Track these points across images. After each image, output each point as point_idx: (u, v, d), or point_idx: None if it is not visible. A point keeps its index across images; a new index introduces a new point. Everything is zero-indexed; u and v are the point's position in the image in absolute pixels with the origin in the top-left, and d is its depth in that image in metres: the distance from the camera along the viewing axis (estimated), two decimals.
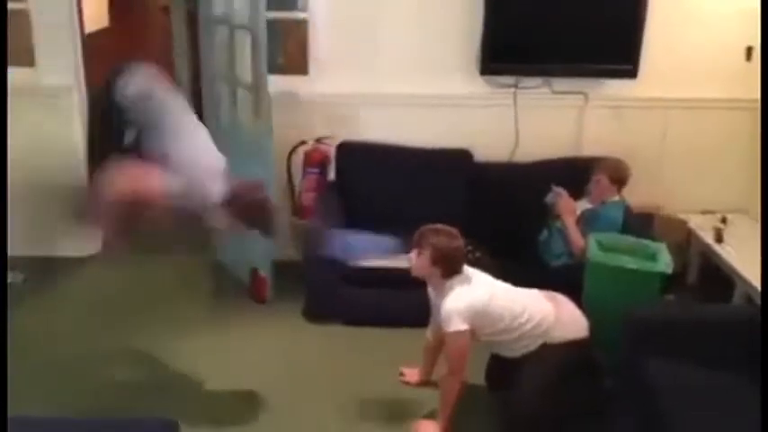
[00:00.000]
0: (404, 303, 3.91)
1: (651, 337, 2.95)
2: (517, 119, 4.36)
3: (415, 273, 3.06)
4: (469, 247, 4.00)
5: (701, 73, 4.32)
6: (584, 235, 3.75)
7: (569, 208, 3.90)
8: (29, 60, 4.30)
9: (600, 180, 3.92)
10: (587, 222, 3.85)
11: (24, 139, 4.40)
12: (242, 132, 4.15)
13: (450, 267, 2.98)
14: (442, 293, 2.99)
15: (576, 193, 3.97)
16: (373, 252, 3.84)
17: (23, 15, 4.22)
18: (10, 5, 4.19)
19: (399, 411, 3.32)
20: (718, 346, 2.88)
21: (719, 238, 4.09)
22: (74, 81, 4.38)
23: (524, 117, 4.36)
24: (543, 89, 4.31)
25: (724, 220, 4.27)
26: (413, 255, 3.03)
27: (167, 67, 6.92)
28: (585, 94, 4.34)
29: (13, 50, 4.38)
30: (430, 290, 3.13)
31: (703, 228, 4.25)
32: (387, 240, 3.83)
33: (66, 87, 4.36)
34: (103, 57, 5.99)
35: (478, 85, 4.32)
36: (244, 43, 4.00)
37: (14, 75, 4.29)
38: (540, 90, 4.31)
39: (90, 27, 5.31)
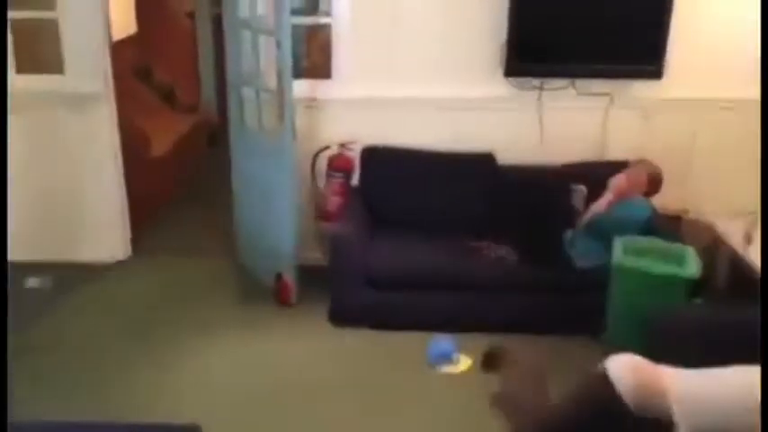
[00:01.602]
0: (430, 307, 3.93)
1: (676, 340, 2.90)
2: (542, 121, 4.34)
3: None
4: (486, 244, 4.01)
5: (727, 73, 4.26)
6: (612, 222, 3.75)
7: (622, 187, 3.86)
8: (58, 68, 4.37)
9: (639, 173, 3.87)
10: (617, 208, 3.83)
11: (53, 146, 4.48)
12: (266, 136, 4.18)
13: None
14: None
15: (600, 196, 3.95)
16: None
17: (53, 24, 4.29)
18: (39, 14, 4.29)
19: (427, 415, 3.32)
20: (743, 349, 2.83)
21: (748, 241, 4.03)
22: (102, 88, 4.43)
23: (549, 119, 4.34)
24: (568, 90, 4.28)
25: (752, 223, 4.20)
26: None
27: (193, 71, 7.01)
28: (611, 96, 4.30)
29: (43, 58, 4.48)
30: None
31: (731, 231, 4.18)
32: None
33: (95, 94, 4.42)
34: (131, 64, 6.11)
35: (503, 87, 4.30)
36: (268, 48, 4.03)
37: (44, 82, 4.38)
38: (565, 91, 4.28)
39: (118, 35, 5.39)
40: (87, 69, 4.38)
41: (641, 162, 3.96)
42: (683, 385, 2.50)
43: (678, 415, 2.46)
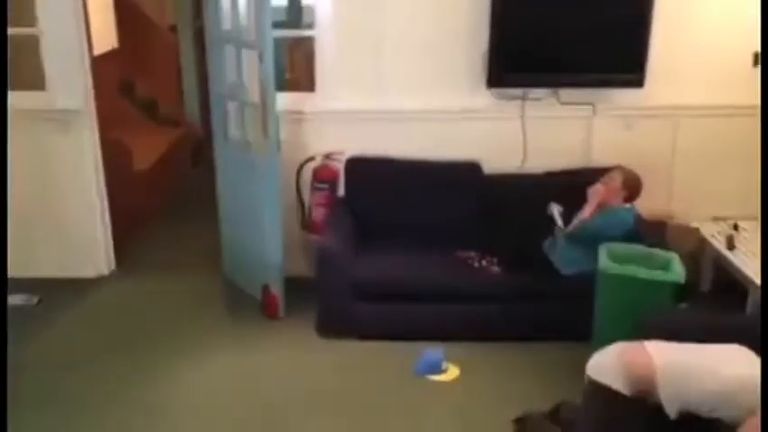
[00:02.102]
0: (417, 317, 3.93)
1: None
2: (525, 130, 4.36)
3: None
4: (473, 254, 4.03)
5: (708, 80, 4.31)
6: (595, 229, 3.79)
7: (600, 194, 3.89)
8: (40, 84, 4.34)
9: (613, 179, 3.91)
10: (602, 215, 3.85)
11: (36, 162, 4.45)
12: (251, 149, 4.17)
13: None
14: None
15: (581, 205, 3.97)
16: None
17: (33, 39, 4.27)
18: (20, 30, 4.26)
19: (416, 425, 3.31)
20: None
21: (731, 246, 4.06)
22: (84, 104, 4.41)
23: (532, 128, 4.36)
24: (551, 100, 4.31)
25: (736, 227, 4.25)
26: None
27: (176, 85, 6.99)
28: (593, 105, 4.34)
29: (25, 74, 4.45)
30: None
31: (715, 235, 4.22)
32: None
33: (76, 110, 4.40)
34: (113, 78, 6.09)
35: (486, 98, 4.33)
36: (251, 61, 4.03)
37: (26, 98, 4.35)
38: (547, 101, 4.31)
39: (99, 49, 5.37)
40: (69, 85, 4.36)
41: (616, 168, 3.99)
42: (667, 357, 2.62)
43: (661, 387, 2.56)
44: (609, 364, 2.69)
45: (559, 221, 3.94)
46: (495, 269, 3.97)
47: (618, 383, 2.62)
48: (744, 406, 2.48)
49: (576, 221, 3.90)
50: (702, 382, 2.57)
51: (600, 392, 2.65)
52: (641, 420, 2.62)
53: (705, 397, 2.55)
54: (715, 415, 2.56)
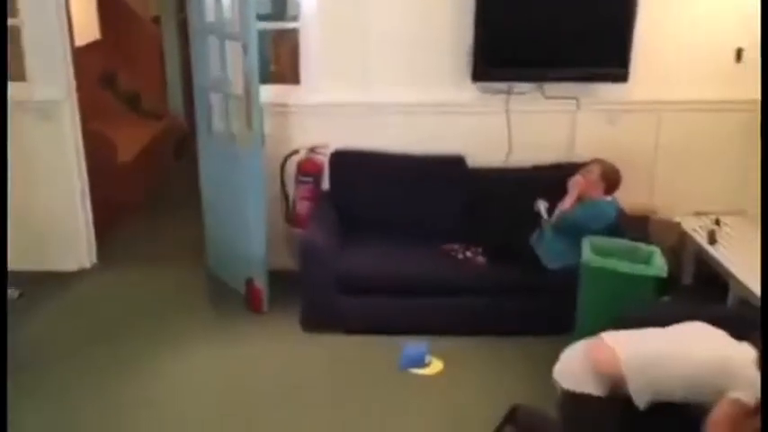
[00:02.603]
0: (402, 311, 3.93)
1: None
2: (510, 125, 4.37)
3: None
4: (456, 246, 4.04)
5: (691, 75, 4.34)
6: (576, 219, 3.81)
7: (580, 185, 3.92)
8: (21, 75, 4.29)
9: (591, 171, 3.93)
10: (583, 205, 3.87)
11: (18, 153, 4.40)
12: (234, 141, 4.15)
13: None
14: None
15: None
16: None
17: (15, 30, 4.22)
18: None
19: (400, 418, 3.32)
20: None
21: (713, 240, 4.10)
22: (65, 95, 4.37)
23: (517, 123, 4.37)
24: (536, 95, 4.32)
25: (717, 222, 4.28)
26: None
27: (159, 77, 6.93)
28: (578, 99, 4.35)
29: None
30: None
31: (697, 230, 4.26)
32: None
33: (58, 101, 4.35)
34: (95, 69, 6.03)
35: (471, 92, 4.33)
36: (235, 53, 4.01)
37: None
38: (532, 95, 4.32)
39: (81, 40, 5.32)
40: (50, 76, 4.32)
41: (594, 161, 4.01)
42: (630, 348, 2.64)
43: (630, 380, 2.59)
44: (577, 368, 2.69)
45: (545, 216, 3.95)
46: (480, 260, 3.98)
47: (591, 387, 2.63)
48: (715, 388, 2.50)
49: (557, 212, 3.91)
50: (671, 368, 2.58)
51: (578, 401, 2.65)
52: (617, 417, 2.64)
53: (675, 384, 2.58)
54: (687, 400, 2.58)
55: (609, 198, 3.93)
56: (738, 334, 2.63)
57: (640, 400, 2.60)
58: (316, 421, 3.29)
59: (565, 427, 2.75)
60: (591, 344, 2.74)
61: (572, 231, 3.76)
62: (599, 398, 2.63)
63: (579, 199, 3.92)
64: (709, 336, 2.66)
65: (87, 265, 4.70)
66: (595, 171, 3.93)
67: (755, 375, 2.43)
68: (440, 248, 4.06)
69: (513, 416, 2.98)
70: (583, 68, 4.22)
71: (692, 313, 2.80)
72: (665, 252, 3.56)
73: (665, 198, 4.49)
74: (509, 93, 4.32)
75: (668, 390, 2.59)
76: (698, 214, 4.42)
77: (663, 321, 2.82)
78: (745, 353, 2.52)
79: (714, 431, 2.46)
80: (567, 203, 3.91)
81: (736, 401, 2.44)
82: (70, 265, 4.63)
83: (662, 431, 2.72)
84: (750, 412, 2.42)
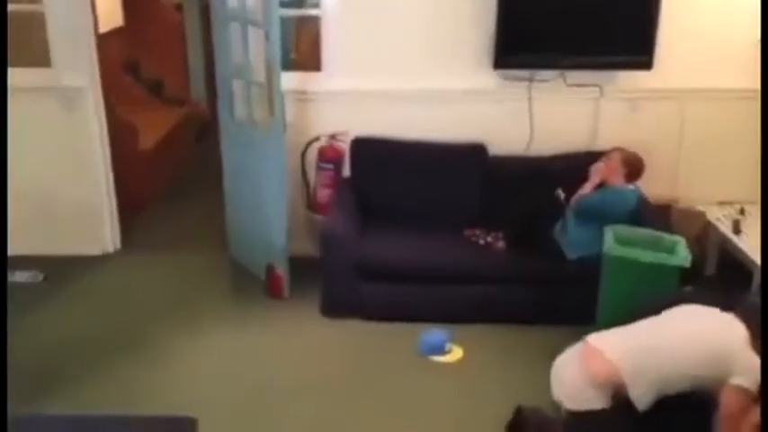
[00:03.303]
0: (422, 298, 3.93)
1: None
2: (532, 112, 4.34)
3: None
4: (478, 231, 4.04)
5: (716, 63, 4.28)
6: (596, 204, 3.80)
7: (602, 172, 3.90)
8: (45, 61, 4.33)
9: (612, 158, 3.91)
10: (604, 191, 3.86)
11: (41, 139, 4.45)
12: (256, 128, 4.17)
13: None
14: None
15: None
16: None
17: (39, 17, 4.25)
18: (26, 7, 4.25)
19: (419, 405, 3.33)
20: None
21: (737, 230, 4.06)
22: (89, 81, 4.40)
23: (539, 110, 4.34)
24: (558, 82, 4.28)
25: (742, 212, 4.23)
26: None
27: (182, 64, 6.97)
28: (600, 87, 4.31)
29: (30, 51, 4.43)
30: None
31: (721, 219, 4.21)
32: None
33: (82, 87, 4.39)
34: (119, 56, 6.07)
35: (492, 79, 4.30)
36: (257, 40, 4.01)
37: (31, 75, 4.34)
38: (554, 83, 4.28)
39: (104, 27, 5.35)
40: (74, 62, 4.34)
41: (614, 150, 3.99)
42: (620, 349, 2.64)
43: (630, 385, 2.58)
44: (577, 385, 2.67)
45: (563, 201, 3.94)
46: (501, 245, 3.97)
47: (594, 402, 2.60)
48: (716, 377, 2.48)
49: (577, 196, 3.89)
50: (669, 366, 2.56)
51: (584, 418, 2.63)
52: (625, 422, 2.62)
53: (675, 380, 2.57)
54: (689, 390, 2.56)
55: (631, 186, 3.90)
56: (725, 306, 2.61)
57: (642, 404, 2.58)
58: (334, 407, 3.31)
59: None
60: (581, 353, 2.70)
61: (593, 217, 3.74)
62: (603, 410, 2.60)
63: (600, 185, 3.90)
64: (701, 320, 2.62)
65: (111, 249, 4.75)
66: (616, 157, 3.91)
67: (753, 357, 2.42)
68: (461, 234, 4.05)
69: (518, 418, 2.97)
70: (606, 56, 4.18)
71: (718, 305, 2.77)
72: (688, 242, 3.53)
73: (688, 187, 4.44)
74: (531, 80, 4.29)
75: (670, 387, 2.57)
76: (722, 203, 4.37)
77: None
78: (739, 334, 2.50)
79: (727, 425, 2.44)
80: (587, 188, 3.89)
81: (741, 390, 2.42)
82: (94, 249, 4.68)
83: (669, 426, 2.70)
84: (755, 398, 2.40)
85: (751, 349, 2.44)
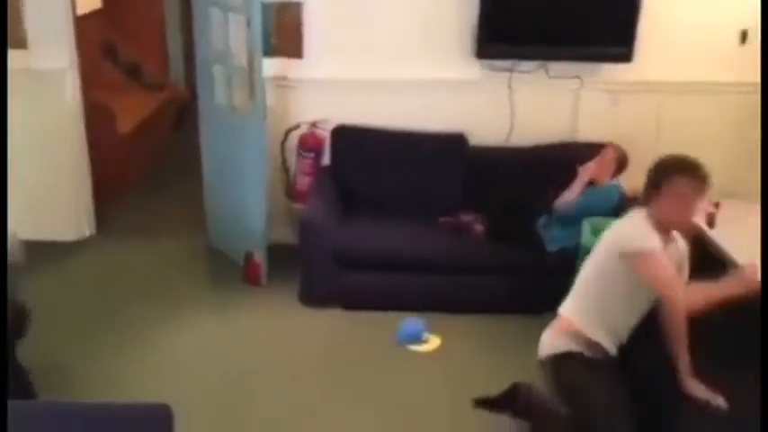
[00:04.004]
0: (400, 287, 3.94)
1: (645, 326, 2.94)
2: (512, 103, 4.35)
3: None
4: (455, 215, 4.05)
5: (695, 56, 4.31)
6: (587, 207, 3.80)
7: (592, 172, 3.90)
8: (21, 43, 4.26)
9: (606, 156, 3.91)
10: (593, 191, 3.87)
11: (18, 123, 4.38)
12: (236, 115, 4.13)
13: None
14: None
15: (569, 181, 3.97)
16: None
17: None
18: None
19: (397, 394, 3.35)
20: (708, 325, 2.90)
21: (712, 223, 4.10)
22: (67, 64, 4.34)
23: (520, 101, 4.35)
24: (539, 73, 4.29)
25: (717, 205, 4.27)
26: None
27: (161, 48, 6.89)
28: (581, 79, 4.33)
29: (7, 33, 4.34)
30: None
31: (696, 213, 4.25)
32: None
33: (59, 70, 4.32)
34: (96, 39, 5.98)
35: (474, 69, 4.30)
36: (238, 25, 3.97)
37: (8, 57, 4.26)
38: (535, 74, 4.29)
39: (82, 9, 5.27)
40: (51, 45, 4.28)
41: (608, 147, 4.00)
42: (572, 307, 2.77)
43: (590, 333, 2.70)
44: (551, 337, 2.78)
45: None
46: (479, 228, 3.98)
47: (568, 345, 2.71)
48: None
49: (564, 199, 3.86)
50: (609, 300, 2.69)
51: (560, 359, 2.72)
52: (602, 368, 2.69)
53: (624, 309, 2.68)
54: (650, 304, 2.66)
55: (614, 182, 3.93)
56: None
57: (611, 348, 2.69)
58: (311, 395, 3.32)
59: (557, 394, 2.78)
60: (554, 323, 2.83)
61: (581, 216, 3.76)
62: (579, 352, 2.69)
63: (589, 184, 3.90)
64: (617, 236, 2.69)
65: (87, 235, 4.71)
66: (610, 155, 3.91)
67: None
68: (439, 221, 4.06)
69: (513, 393, 3.00)
70: (587, 48, 4.19)
71: None
72: None
73: None
74: (512, 71, 4.30)
75: (624, 321, 2.65)
76: None
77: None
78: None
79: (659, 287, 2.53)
80: (575, 189, 3.86)
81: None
82: (70, 235, 4.63)
83: (649, 362, 2.81)
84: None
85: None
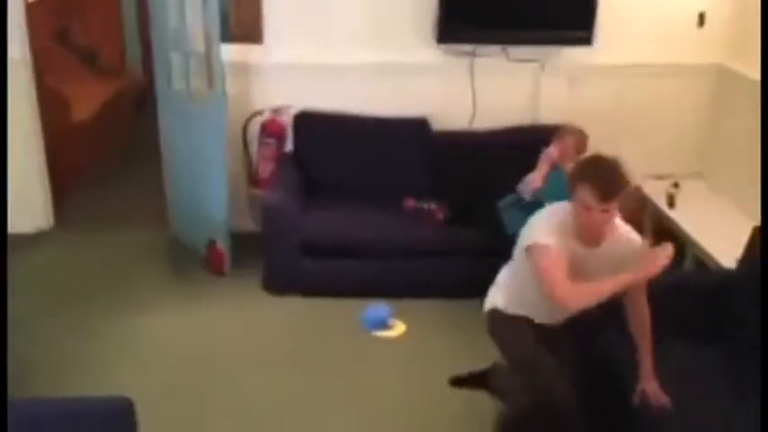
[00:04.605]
0: (365, 273, 3.94)
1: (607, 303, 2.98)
2: (474, 87, 4.35)
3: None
4: (426, 205, 4.05)
5: (654, 39, 4.35)
6: (551, 195, 3.79)
7: (553, 158, 3.85)
8: None
9: (565, 141, 3.89)
10: (555, 177, 3.87)
11: None
12: (195, 101, 4.06)
13: None
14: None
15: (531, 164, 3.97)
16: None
17: None
18: None
19: (363, 380, 3.35)
20: (669, 305, 2.95)
21: (672, 203, 4.17)
22: (19, 52, 4.22)
23: (481, 85, 4.35)
24: (500, 57, 4.30)
25: (676, 185, 4.35)
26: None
27: (116, 32, 6.73)
28: (541, 62, 4.34)
29: None
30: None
31: (656, 193, 4.32)
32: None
33: (11, 59, 4.19)
34: (48, 24, 5.82)
35: (435, 54, 4.29)
36: (194, 9, 3.89)
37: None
38: (496, 58, 4.30)
39: None
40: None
41: (565, 129, 3.97)
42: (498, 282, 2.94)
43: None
44: (491, 291, 2.97)
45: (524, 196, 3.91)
46: (441, 215, 3.99)
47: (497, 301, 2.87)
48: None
49: (526, 185, 3.85)
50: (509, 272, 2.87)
51: (491, 316, 2.88)
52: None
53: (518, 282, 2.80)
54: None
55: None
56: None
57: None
58: (277, 383, 3.30)
59: (497, 344, 2.87)
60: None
61: (545, 201, 3.76)
62: (505, 311, 2.82)
63: (551, 168, 3.89)
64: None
65: (45, 227, 4.60)
66: (570, 140, 3.87)
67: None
68: (403, 209, 4.05)
69: (489, 372, 3.11)
70: (547, 31, 4.21)
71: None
72: (625, 215, 3.60)
73: (626, 161, 4.51)
74: (474, 55, 4.29)
75: (547, 308, 2.68)
76: (658, 177, 4.47)
77: None
78: None
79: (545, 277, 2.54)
80: (538, 179, 3.82)
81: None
82: (27, 227, 4.52)
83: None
84: None
85: None
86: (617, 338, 2.81)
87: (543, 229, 2.62)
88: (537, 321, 2.81)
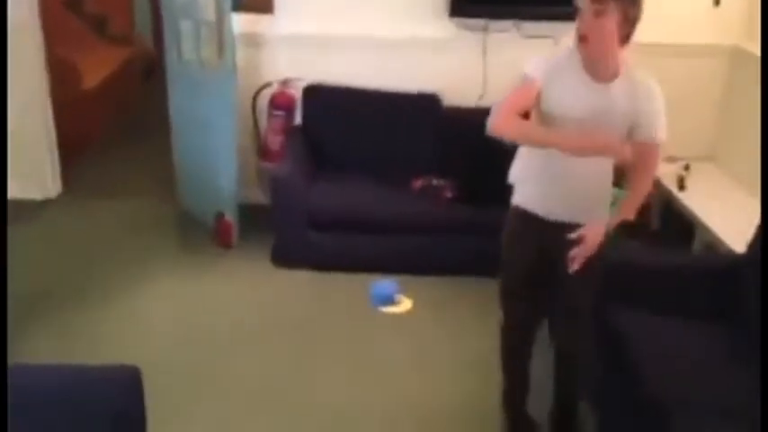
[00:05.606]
0: (373, 248, 3.94)
1: (616, 283, 2.97)
2: (486, 62, 4.31)
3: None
4: (425, 178, 4.03)
5: (670, 18, 4.28)
6: None
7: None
8: None
9: None
10: None
11: None
12: (205, 71, 4.04)
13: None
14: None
15: None
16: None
17: None
18: None
19: (369, 355, 3.36)
20: (676, 287, 2.95)
21: (682, 186, 4.14)
22: (29, 18, 4.21)
23: (493, 61, 4.31)
24: (513, 33, 4.25)
25: (687, 168, 4.31)
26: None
27: (126, 1, 6.69)
28: (555, 39, 4.29)
29: None
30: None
31: (667, 175, 4.29)
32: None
33: (20, 24, 4.17)
34: None
35: (448, 28, 4.25)
36: None
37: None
38: (509, 34, 4.25)
39: None
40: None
41: None
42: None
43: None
44: None
45: None
46: (449, 194, 3.98)
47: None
48: None
49: None
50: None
51: (508, 214, 2.90)
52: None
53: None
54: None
55: None
56: None
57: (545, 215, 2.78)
58: (284, 356, 3.32)
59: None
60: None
61: None
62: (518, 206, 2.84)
63: None
64: None
65: (53, 194, 4.61)
66: None
67: None
68: (410, 184, 4.04)
69: None
70: (561, 7, 4.13)
71: (661, 259, 2.85)
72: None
73: None
74: (486, 30, 4.25)
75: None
76: (669, 160, 4.43)
77: (630, 265, 2.89)
78: None
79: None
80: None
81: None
82: (35, 194, 4.53)
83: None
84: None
85: None
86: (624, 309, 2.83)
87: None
88: (542, 214, 2.72)
